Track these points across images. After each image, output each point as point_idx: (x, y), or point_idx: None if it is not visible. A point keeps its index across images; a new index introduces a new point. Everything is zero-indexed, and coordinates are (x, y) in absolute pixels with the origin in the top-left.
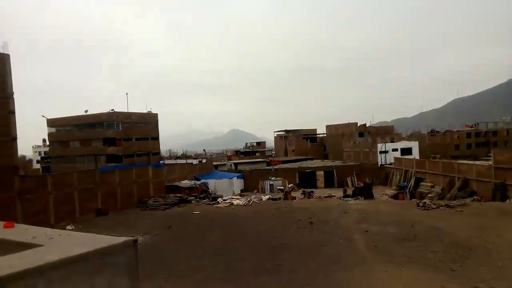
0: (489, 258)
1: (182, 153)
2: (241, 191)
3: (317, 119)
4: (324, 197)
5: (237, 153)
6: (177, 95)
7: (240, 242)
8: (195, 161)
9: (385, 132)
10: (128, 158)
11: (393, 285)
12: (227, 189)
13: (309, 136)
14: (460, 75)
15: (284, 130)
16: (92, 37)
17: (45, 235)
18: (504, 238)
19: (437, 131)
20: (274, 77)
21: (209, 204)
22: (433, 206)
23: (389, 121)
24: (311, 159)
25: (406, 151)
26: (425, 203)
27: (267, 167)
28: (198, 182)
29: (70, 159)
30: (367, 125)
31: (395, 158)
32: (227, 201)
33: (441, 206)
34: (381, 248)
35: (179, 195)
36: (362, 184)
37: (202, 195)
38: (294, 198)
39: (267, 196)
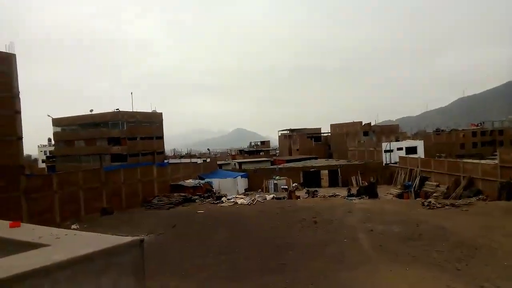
0: (495, 258)
1: (186, 152)
2: (245, 190)
3: (317, 119)
4: (329, 196)
5: (241, 152)
6: (177, 95)
7: (244, 241)
8: (199, 160)
9: (390, 131)
10: (133, 157)
11: (397, 284)
12: (231, 188)
13: (314, 135)
14: (460, 75)
15: (288, 129)
16: (92, 37)
17: (51, 235)
18: (509, 237)
19: (442, 130)
20: (274, 77)
21: (213, 203)
22: (438, 205)
23: (394, 120)
24: (315, 158)
25: (411, 150)
26: (430, 202)
27: (271, 166)
28: (203, 181)
29: (75, 158)
30: (371, 124)
31: (400, 157)
32: (231, 200)
33: (447, 205)
34: (385, 247)
35: (183, 194)
36: (366, 183)
37: (206, 194)
38: (298, 197)
39: (271, 195)
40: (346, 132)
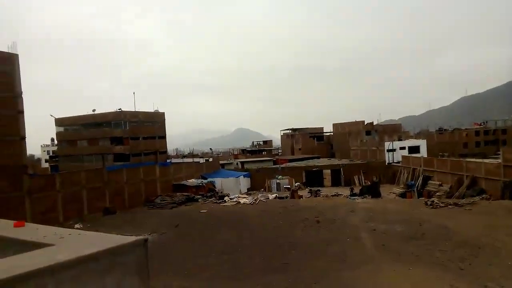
0: (498, 257)
1: (188, 152)
2: (248, 189)
3: (317, 119)
4: (331, 195)
5: (244, 151)
6: (177, 95)
7: (247, 241)
8: (202, 160)
9: (393, 130)
10: (136, 157)
11: (400, 284)
12: (234, 187)
13: (316, 134)
14: (461, 75)
15: (290, 129)
16: (92, 37)
17: (55, 234)
18: None
19: (445, 129)
20: (274, 77)
21: (216, 202)
22: (441, 205)
23: (396, 119)
24: (318, 157)
25: (414, 149)
26: (433, 201)
27: (274, 166)
28: (205, 181)
29: (78, 158)
30: (374, 124)
31: (403, 157)
32: (234, 199)
33: (450, 204)
34: (388, 246)
35: (186, 193)
36: (369, 183)
37: (209, 194)
38: (300, 196)
39: (274, 195)
40: (348, 132)
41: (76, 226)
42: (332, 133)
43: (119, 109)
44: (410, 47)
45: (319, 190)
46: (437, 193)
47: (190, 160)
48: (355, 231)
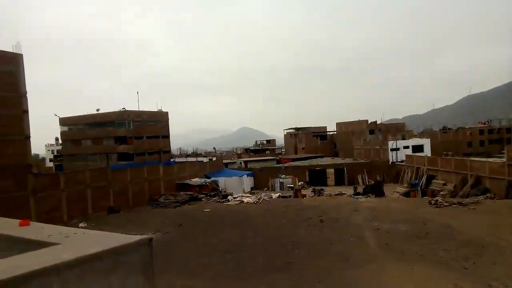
0: (503, 256)
1: (192, 151)
2: (251, 189)
3: (317, 119)
4: (335, 195)
5: (247, 151)
6: (177, 95)
7: (250, 240)
8: (205, 159)
9: (396, 129)
10: (139, 156)
11: (404, 283)
12: (237, 187)
13: (319, 134)
14: (461, 75)
15: (294, 128)
16: (92, 37)
17: (60, 234)
18: None
19: (449, 128)
20: (274, 77)
21: (219, 202)
22: (445, 204)
23: (400, 118)
24: (321, 156)
25: (418, 148)
26: (437, 200)
27: (277, 165)
28: (209, 180)
29: (82, 157)
30: (377, 123)
31: (407, 156)
32: (237, 199)
33: (454, 203)
34: (392, 246)
35: (189, 193)
36: (373, 182)
37: (212, 193)
38: (304, 196)
39: (277, 194)
40: (352, 131)
41: (81, 225)
42: (335, 132)
43: (123, 109)
44: (410, 47)
45: (322, 189)
46: (441, 192)
47: (193, 159)
48: (359, 230)
